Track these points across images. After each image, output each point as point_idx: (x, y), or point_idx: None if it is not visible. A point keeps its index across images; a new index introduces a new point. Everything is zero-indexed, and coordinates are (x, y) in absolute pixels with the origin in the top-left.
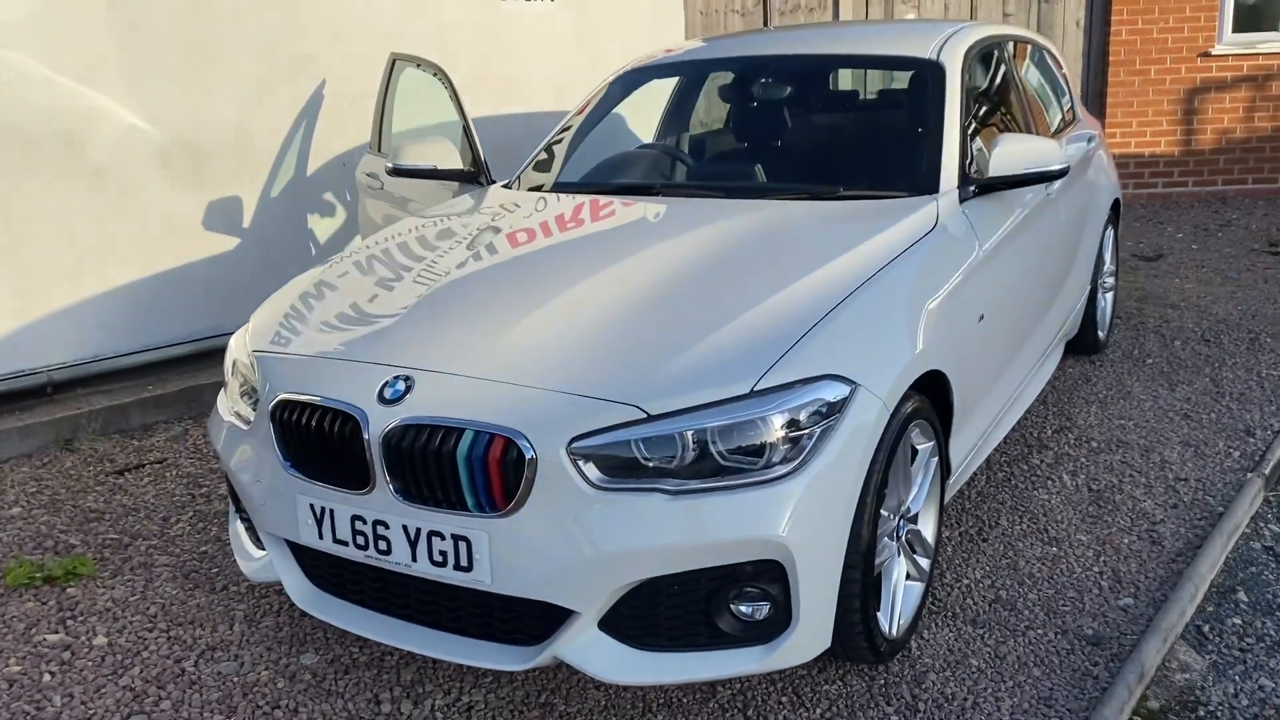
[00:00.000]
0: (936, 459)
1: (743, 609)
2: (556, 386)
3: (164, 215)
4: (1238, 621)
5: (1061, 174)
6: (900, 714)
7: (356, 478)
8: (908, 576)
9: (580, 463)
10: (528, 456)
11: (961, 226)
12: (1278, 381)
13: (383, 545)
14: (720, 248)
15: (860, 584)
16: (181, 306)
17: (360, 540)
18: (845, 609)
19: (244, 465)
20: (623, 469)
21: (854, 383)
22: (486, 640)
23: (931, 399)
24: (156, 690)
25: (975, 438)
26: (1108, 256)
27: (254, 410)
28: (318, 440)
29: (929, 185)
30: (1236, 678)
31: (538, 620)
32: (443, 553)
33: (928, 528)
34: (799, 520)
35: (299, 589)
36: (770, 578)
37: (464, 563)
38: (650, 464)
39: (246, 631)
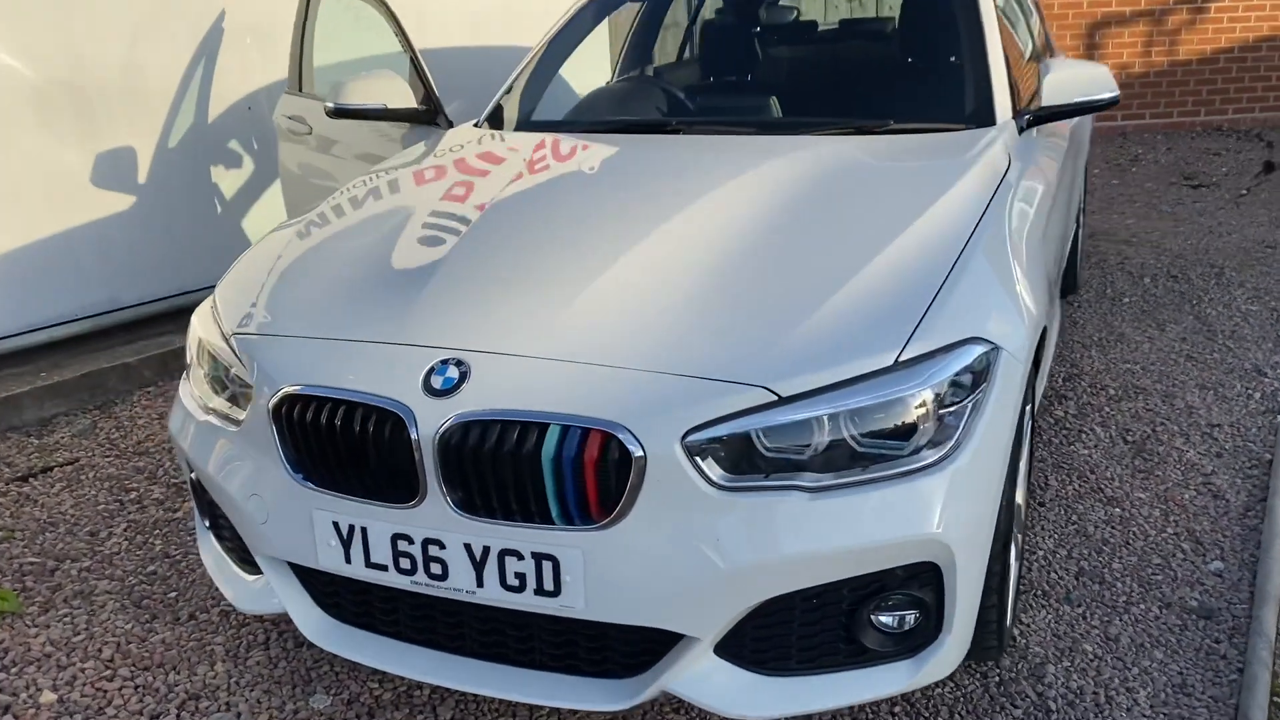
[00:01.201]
0: (1030, 422)
1: (885, 619)
2: (661, 367)
3: (44, 170)
4: None
5: (1113, 102)
6: (1032, 718)
7: (398, 488)
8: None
9: (699, 459)
10: (634, 454)
11: (1027, 162)
12: (1261, 316)
13: (436, 569)
14: (791, 193)
15: (1000, 575)
16: (70, 277)
17: (405, 563)
18: (984, 605)
19: (229, 475)
20: (747, 464)
21: (996, 345)
22: (568, 674)
23: None
24: None
25: (1040, 392)
26: (1082, 192)
27: (235, 405)
28: (343, 443)
29: (984, 116)
30: None
31: (635, 648)
32: (519, 575)
33: (1020, 498)
34: (956, 513)
35: (312, 621)
36: (923, 582)
37: (549, 586)
38: (776, 456)
39: (233, 671)
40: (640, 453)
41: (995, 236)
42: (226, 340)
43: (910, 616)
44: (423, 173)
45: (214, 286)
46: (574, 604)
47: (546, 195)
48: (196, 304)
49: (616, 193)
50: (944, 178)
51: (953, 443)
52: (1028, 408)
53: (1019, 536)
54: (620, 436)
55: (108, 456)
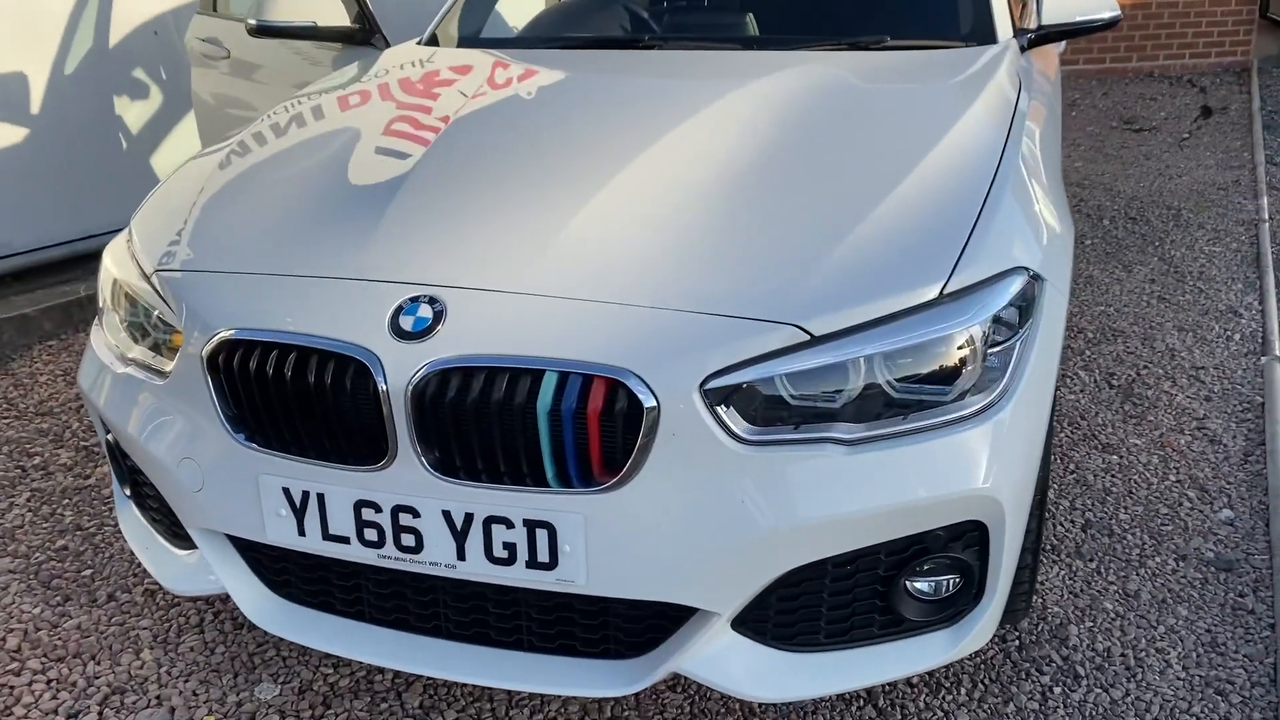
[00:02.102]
0: None
1: (922, 586)
2: (674, 304)
3: None
4: None
5: (1114, 22)
6: (1062, 684)
7: (362, 447)
8: None
9: (720, 409)
10: (645, 405)
11: (1032, 86)
12: (1226, 257)
13: (408, 540)
14: (794, 112)
15: (1036, 532)
16: None
17: (370, 535)
18: (1020, 564)
19: (155, 436)
20: (771, 415)
21: (1040, 276)
22: (561, 656)
23: None
24: None
25: None
26: None
27: (159, 354)
28: (294, 397)
29: (984, 34)
30: None
31: (640, 625)
32: (509, 546)
33: None
34: (1005, 465)
35: (258, 603)
36: (967, 543)
37: (544, 558)
38: (803, 405)
39: (163, 659)
40: (653, 403)
41: (1022, 161)
42: (148, 279)
43: (949, 581)
44: (364, 92)
45: (122, 230)
46: (573, 577)
47: (517, 112)
48: (101, 250)
49: (598, 109)
50: (957, 100)
51: (1001, 387)
52: None
53: None
54: (629, 384)
55: (5, 418)
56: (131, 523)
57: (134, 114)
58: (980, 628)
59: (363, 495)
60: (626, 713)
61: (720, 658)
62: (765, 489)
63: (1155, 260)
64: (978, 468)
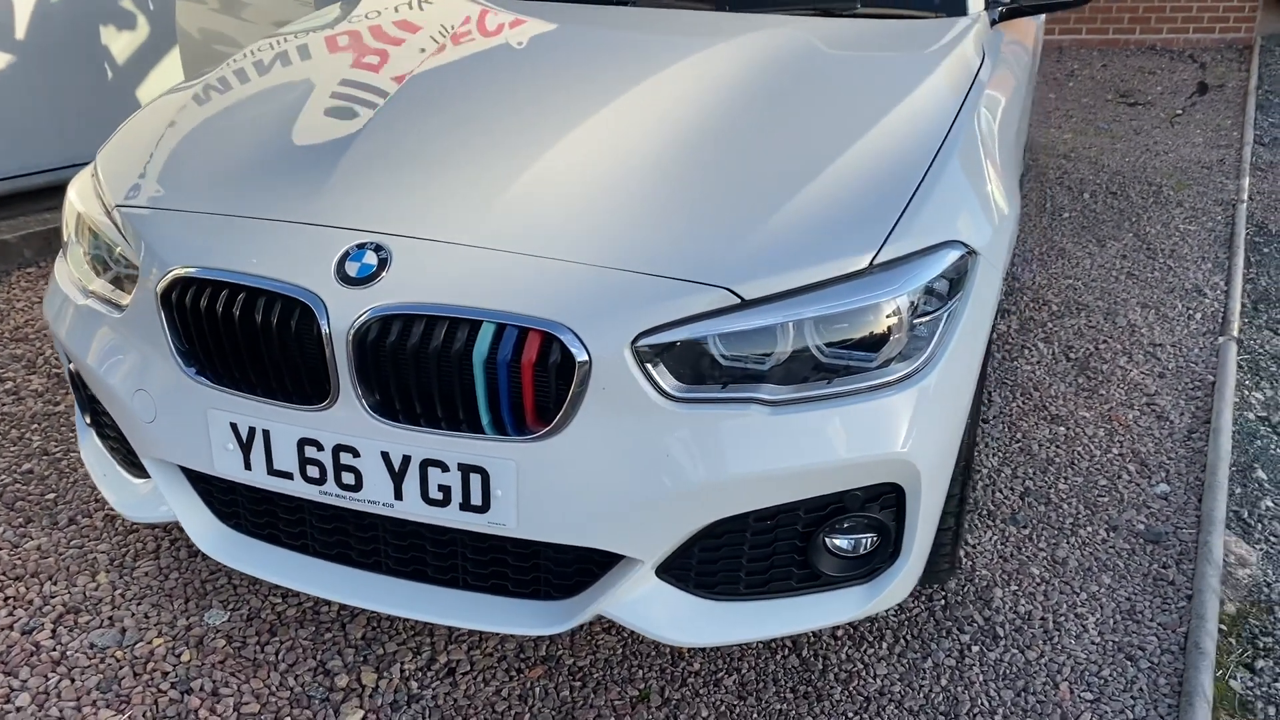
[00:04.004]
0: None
1: (840, 543)
2: (610, 262)
3: None
4: (1270, 504)
5: (1084, 0)
6: (980, 643)
7: (306, 387)
8: None
9: (650, 366)
10: (578, 359)
11: (997, 60)
12: (1200, 236)
13: (348, 478)
14: (750, 77)
15: (959, 498)
16: None
17: (312, 472)
18: (942, 527)
19: (112, 367)
20: (700, 373)
21: (974, 250)
22: (495, 595)
23: None
24: (3, 678)
25: None
26: None
27: (119, 288)
28: (242, 335)
29: (955, 5)
30: None
31: (569, 568)
32: (443, 488)
33: None
34: (924, 432)
35: (207, 532)
36: (884, 504)
37: (476, 501)
38: (733, 365)
39: (118, 583)
40: (585, 357)
41: (970, 136)
42: (109, 214)
43: (867, 540)
44: (337, 37)
45: None
46: (504, 521)
47: (477, 68)
48: None
49: (555, 69)
50: (914, 71)
51: (925, 356)
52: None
53: None
54: (563, 338)
55: None
56: (91, 450)
57: (120, 44)
58: (895, 586)
59: (306, 433)
60: (560, 651)
61: (643, 603)
62: (690, 444)
63: (1129, 236)
64: (896, 432)
